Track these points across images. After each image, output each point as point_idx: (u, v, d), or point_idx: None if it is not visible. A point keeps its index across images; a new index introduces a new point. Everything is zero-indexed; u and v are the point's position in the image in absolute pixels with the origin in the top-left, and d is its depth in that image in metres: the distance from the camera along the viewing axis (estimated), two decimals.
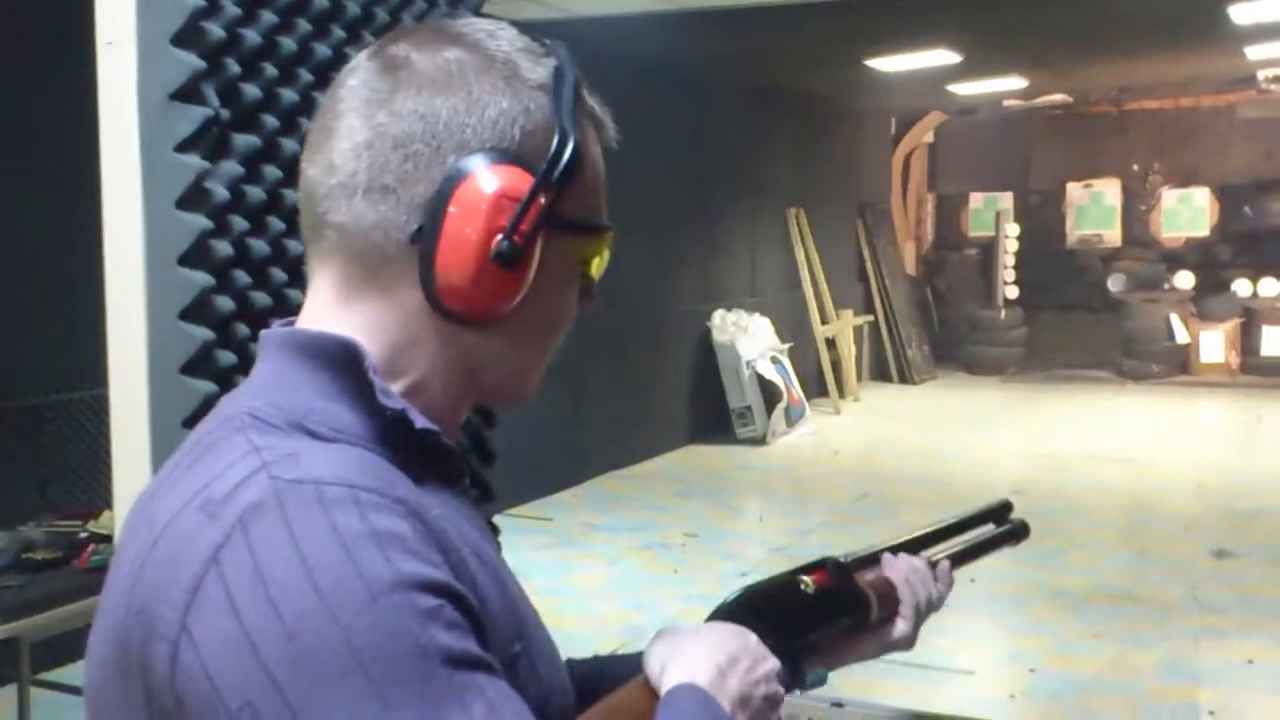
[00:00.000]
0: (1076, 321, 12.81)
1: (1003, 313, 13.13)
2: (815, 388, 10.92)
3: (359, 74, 0.86)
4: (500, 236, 0.82)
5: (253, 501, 0.73)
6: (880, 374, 12.54)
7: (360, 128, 0.83)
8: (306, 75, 1.85)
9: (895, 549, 1.17)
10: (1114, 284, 12.72)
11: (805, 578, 1.07)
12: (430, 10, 2.04)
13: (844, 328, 11.28)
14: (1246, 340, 12.10)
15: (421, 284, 0.83)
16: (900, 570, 1.16)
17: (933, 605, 1.19)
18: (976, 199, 13.95)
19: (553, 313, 0.89)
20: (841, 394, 11.07)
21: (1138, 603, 5.54)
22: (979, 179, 13.93)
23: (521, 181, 0.83)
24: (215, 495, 0.75)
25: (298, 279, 1.77)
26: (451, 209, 0.82)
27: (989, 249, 13.54)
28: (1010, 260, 13.29)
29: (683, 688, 0.89)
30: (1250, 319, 12.07)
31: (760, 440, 9.43)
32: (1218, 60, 10.38)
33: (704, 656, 0.92)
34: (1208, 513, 7.23)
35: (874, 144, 13.20)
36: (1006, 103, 12.94)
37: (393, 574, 0.70)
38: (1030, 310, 13.19)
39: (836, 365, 11.14)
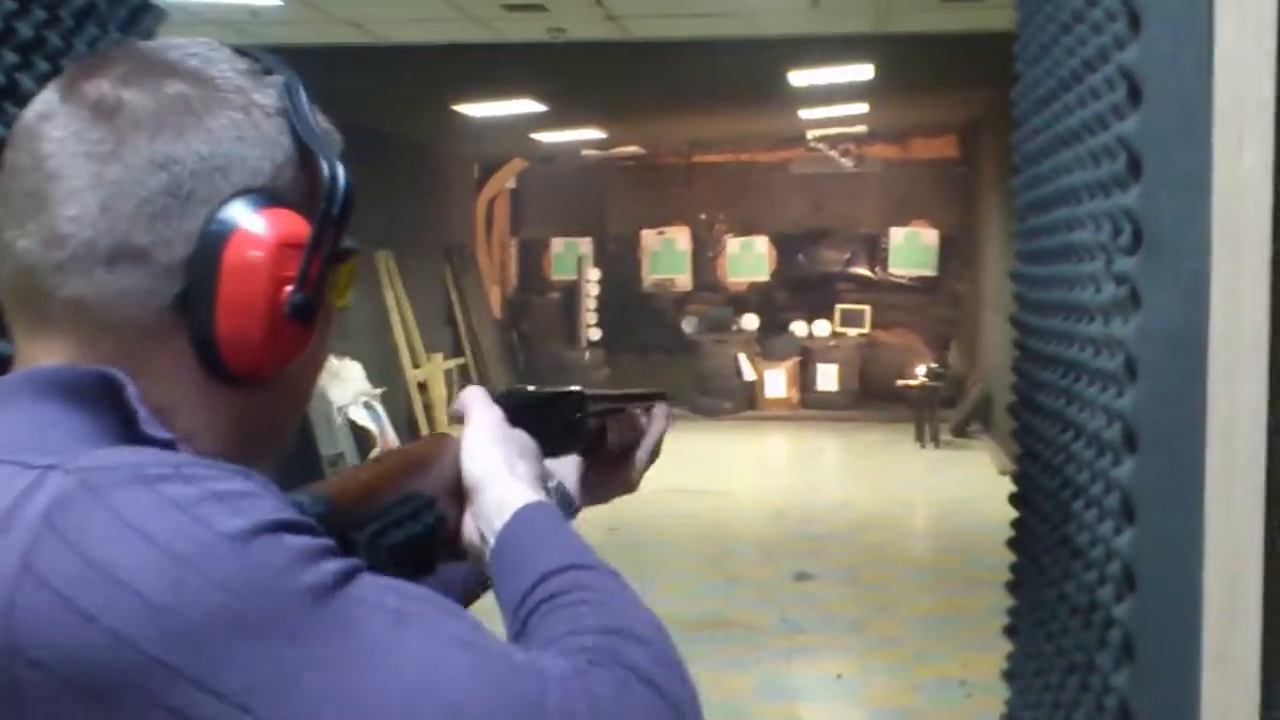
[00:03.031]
0: (655, 361, 13.42)
1: (587, 354, 13.56)
2: (408, 432, 10.79)
3: (59, 122, 0.74)
4: (292, 289, 0.75)
5: (53, 498, 0.63)
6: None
7: (87, 188, 0.72)
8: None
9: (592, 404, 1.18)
10: (687, 326, 13.45)
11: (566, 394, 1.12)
12: (102, 35, 1.83)
13: (435, 371, 11.24)
14: (804, 377, 13.14)
15: (196, 351, 0.74)
16: (644, 418, 1.21)
17: (655, 455, 1.23)
18: (558, 244, 14.35)
19: (323, 350, 0.83)
20: None
21: (731, 627, 5.84)
22: (560, 224, 14.34)
23: (292, 223, 0.75)
24: None
25: None
26: (225, 267, 0.73)
27: (571, 292, 13.97)
28: (592, 303, 13.78)
29: (544, 511, 0.88)
30: (807, 357, 13.13)
31: None
32: (776, 120, 11.29)
33: (528, 472, 0.93)
34: (786, 538, 7.76)
35: (459, 189, 13.28)
36: (585, 152, 13.43)
37: (244, 525, 0.64)
38: (612, 351, 13.69)
39: (429, 408, 11.08)
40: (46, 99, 0.76)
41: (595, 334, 13.81)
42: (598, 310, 13.81)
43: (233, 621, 0.61)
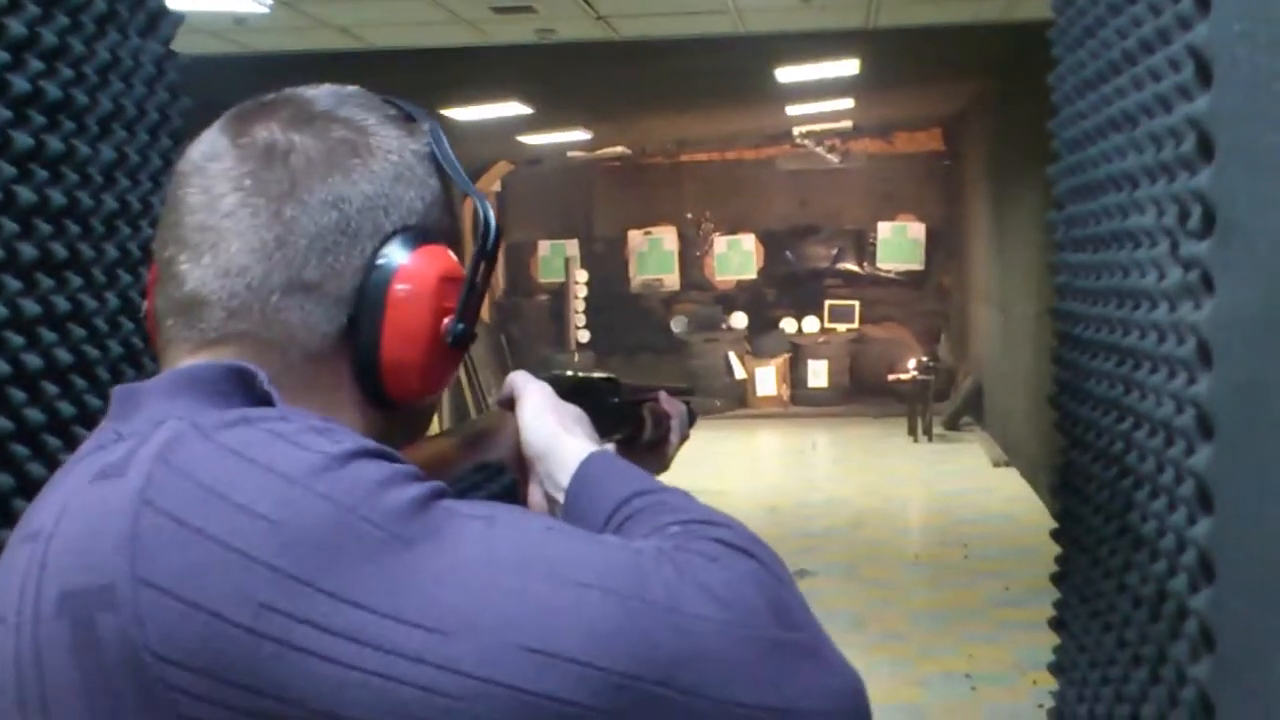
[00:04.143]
0: (644, 361, 13.38)
1: (576, 356, 13.50)
2: None
3: (230, 163, 0.80)
4: (453, 319, 0.82)
5: (165, 440, 0.69)
6: (462, 421, 12.53)
7: (263, 224, 0.78)
8: None
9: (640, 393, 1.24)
10: (676, 325, 13.42)
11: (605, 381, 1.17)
12: (123, 40, 1.81)
13: None
14: (795, 373, 13.12)
15: (358, 375, 0.81)
16: (673, 405, 1.25)
17: (685, 439, 1.29)
18: (544, 246, 14.30)
19: None
20: None
21: None
22: (546, 227, 14.29)
23: (448, 258, 0.83)
24: (111, 460, 0.70)
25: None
26: (392, 299, 0.80)
27: (559, 295, 13.92)
28: (580, 305, 13.73)
29: (606, 456, 0.92)
30: (797, 354, 13.11)
31: None
32: (762, 117, 11.27)
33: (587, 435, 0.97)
34: (782, 535, 7.73)
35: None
36: (570, 154, 13.39)
37: (344, 448, 0.69)
38: (601, 352, 13.65)
39: None
40: (213, 140, 0.81)
41: (584, 336, 13.76)
42: (586, 312, 13.76)
43: (338, 528, 0.64)
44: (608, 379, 1.17)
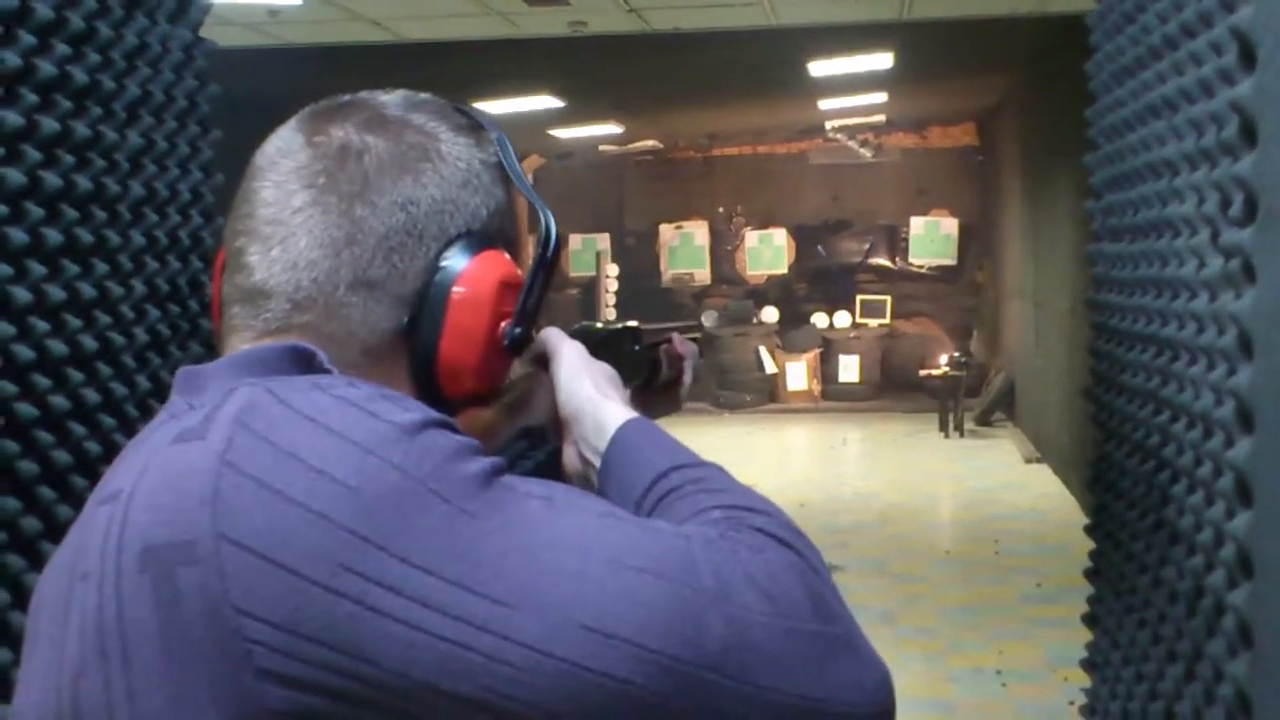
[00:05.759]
0: None
1: None
2: None
3: (304, 159, 0.82)
4: (510, 324, 0.85)
5: (242, 405, 0.71)
6: None
7: (334, 222, 0.81)
8: None
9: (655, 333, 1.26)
10: (707, 319, 13.38)
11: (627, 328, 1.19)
12: (151, 26, 1.80)
13: None
14: (825, 368, 13.07)
15: (414, 372, 0.83)
16: (686, 346, 1.26)
17: (697, 378, 1.30)
18: (575, 240, 14.30)
19: None
20: None
21: None
22: (577, 221, 14.29)
23: (509, 264, 0.85)
24: (190, 425, 0.72)
25: None
26: (453, 301, 0.82)
27: (590, 288, 13.91)
28: (611, 299, 13.71)
29: (643, 424, 0.93)
30: (828, 349, 13.05)
31: None
32: (795, 111, 11.22)
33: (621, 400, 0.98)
34: (812, 530, 7.50)
35: None
36: (602, 148, 13.37)
37: (414, 418, 0.71)
38: None
39: None
40: (288, 137, 0.84)
41: None
42: (617, 306, 13.74)
43: (412, 496, 0.67)
44: (630, 329, 1.19)
